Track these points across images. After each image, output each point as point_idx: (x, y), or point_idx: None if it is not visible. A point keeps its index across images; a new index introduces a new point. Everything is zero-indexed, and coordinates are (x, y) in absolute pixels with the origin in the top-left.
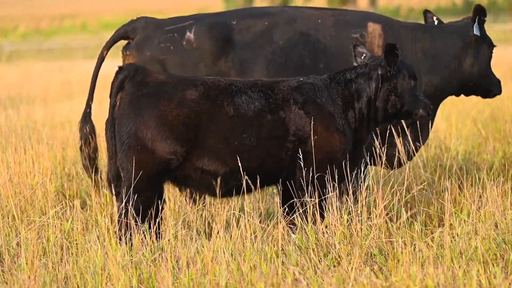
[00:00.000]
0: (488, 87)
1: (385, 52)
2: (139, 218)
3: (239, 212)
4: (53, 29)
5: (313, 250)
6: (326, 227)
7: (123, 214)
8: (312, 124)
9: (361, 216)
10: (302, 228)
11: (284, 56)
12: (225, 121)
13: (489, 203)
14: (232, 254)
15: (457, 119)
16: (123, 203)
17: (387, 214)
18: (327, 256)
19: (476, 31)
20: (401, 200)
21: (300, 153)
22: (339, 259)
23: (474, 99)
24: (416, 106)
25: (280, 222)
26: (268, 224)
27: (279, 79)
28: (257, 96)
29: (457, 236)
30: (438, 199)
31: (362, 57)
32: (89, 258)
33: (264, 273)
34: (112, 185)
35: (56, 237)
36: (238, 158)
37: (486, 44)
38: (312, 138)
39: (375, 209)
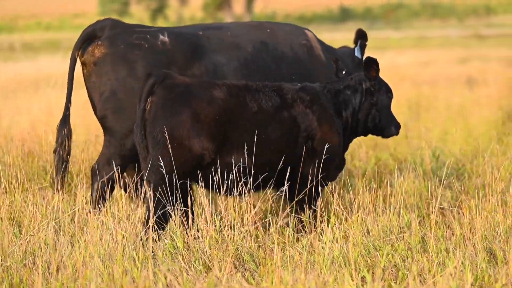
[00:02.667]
0: None
1: (365, 66)
2: (174, 213)
3: (111, 217)
4: None
5: (182, 255)
6: (198, 231)
7: (152, 208)
8: (318, 123)
9: (233, 222)
10: (172, 233)
11: (253, 61)
12: (250, 116)
13: (361, 209)
14: (103, 259)
15: None
16: (156, 201)
17: (259, 220)
18: (198, 261)
19: (357, 53)
20: (273, 206)
21: (310, 149)
22: (210, 264)
23: None
24: (390, 124)
25: (151, 228)
26: (140, 229)
27: (281, 83)
28: (272, 94)
29: (329, 242)
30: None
31: (343, 72)
32: None
33: (136, 278)
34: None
35: None
36: (263, 152)
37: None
38: (319, 135)
39: (248, 214)
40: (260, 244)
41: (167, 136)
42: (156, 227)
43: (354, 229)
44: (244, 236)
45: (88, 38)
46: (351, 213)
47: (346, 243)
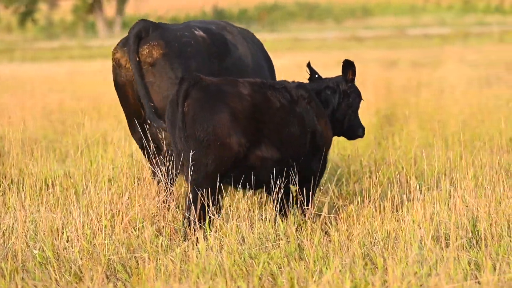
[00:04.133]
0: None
1: (343, 69)
2: (213, 208)
3: None
4: None
5: (52, 266)
6: (67, 241)
7: (198, 205)
8: (317, 119)
9: (104, 231)
10: (43, 242)
11: (255, 58)
12: (274, 111)
13: (236, 216)
14: None
15: None
16: (193, 196)
17: (132, 228)
18: (69, 272)
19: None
20: (148, 214)
21: (313, 144)
22: (81, 275)
23: None
24: (359, 126)
25: (18, 237)
26: (6, 240)
27: (282, 81)
28: (283, 91)
29: (203, 250)
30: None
31: (316, 75)
32: None
33: None
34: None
35: None
36: (286, 146)
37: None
38: (319, 131)
39: (120, 223)
40: (133, 253)
41: (210, 136)
42: (195, 225)
43: (229, 237)
44: (116, 245)
45: (138, 40)
46: (226, 220)
47: (221, 252)
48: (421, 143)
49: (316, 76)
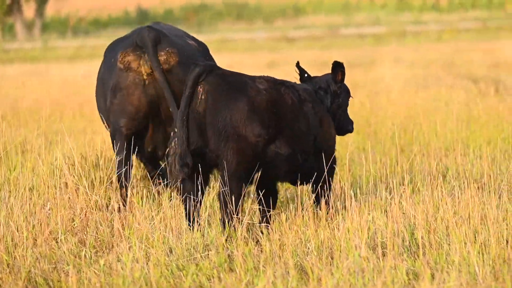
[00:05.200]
0: None
1: (332, 70)
2: (239, 202)
3: None
4: None
5: None
6: None
7: (228, 199)
8: (320, 118)
9: (25, 242)
10: None
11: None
12: (287, 107)
13: (163, 226)
14: None
15: None
16: (223, 189)
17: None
18: None
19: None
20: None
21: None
22: None
23: None
24: (350, 123)
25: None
26: None
27: (285, 80)
28: (293, 89)
29: (128, 262)
30: (109, 221)
31: (305, 75)
32: None
33: None
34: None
35: None
36: (299, 143)
37: None
38: (324, 129)
39: (41, 234)
40: (55, 266)
41: (228, 125)
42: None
43: (156, 248)
44: (38, 258)
45: (155, 46)
46: (152, 231)
47: (147, 263)
48: (355, 148)
49: (306, 75)
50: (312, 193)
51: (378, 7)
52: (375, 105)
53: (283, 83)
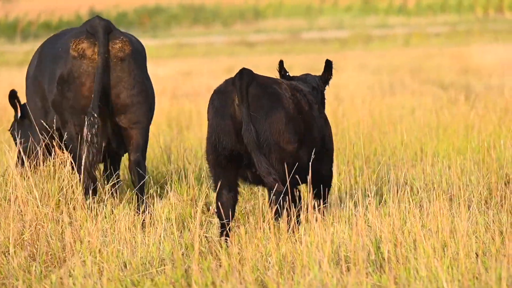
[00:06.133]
0: None
1: (326, 67)
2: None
3: None
4: None
5: None
6: None
7: (286, 206)
8: (325, 120)
9: None
10: None
11: None
12: (306, 111)
13: (117, 239)
14: None
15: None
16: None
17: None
18: None
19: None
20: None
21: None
22: None
23: None
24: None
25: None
26: None
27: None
28: (302, 93)
29: (80, 277)
30: (60, 234)
31: (287, 74)
32: None
33: None
34: None
35: None
36: (314, 143)
37: None
38: (328, 131)
39: None
40: (3, 281)
41: (267, 136)
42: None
43: (109, 262)
44: None
45: (107, 34)
46: (105, 244)
47: (100, 278)
48: None
49: (287, 74)
50: (313, 192)
51: (342, 10)
52: (339, 112)
53: (295, 87)
